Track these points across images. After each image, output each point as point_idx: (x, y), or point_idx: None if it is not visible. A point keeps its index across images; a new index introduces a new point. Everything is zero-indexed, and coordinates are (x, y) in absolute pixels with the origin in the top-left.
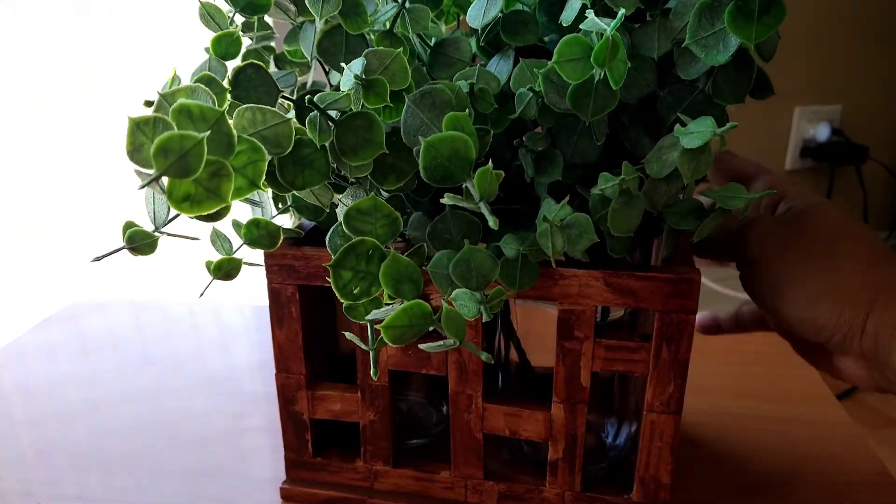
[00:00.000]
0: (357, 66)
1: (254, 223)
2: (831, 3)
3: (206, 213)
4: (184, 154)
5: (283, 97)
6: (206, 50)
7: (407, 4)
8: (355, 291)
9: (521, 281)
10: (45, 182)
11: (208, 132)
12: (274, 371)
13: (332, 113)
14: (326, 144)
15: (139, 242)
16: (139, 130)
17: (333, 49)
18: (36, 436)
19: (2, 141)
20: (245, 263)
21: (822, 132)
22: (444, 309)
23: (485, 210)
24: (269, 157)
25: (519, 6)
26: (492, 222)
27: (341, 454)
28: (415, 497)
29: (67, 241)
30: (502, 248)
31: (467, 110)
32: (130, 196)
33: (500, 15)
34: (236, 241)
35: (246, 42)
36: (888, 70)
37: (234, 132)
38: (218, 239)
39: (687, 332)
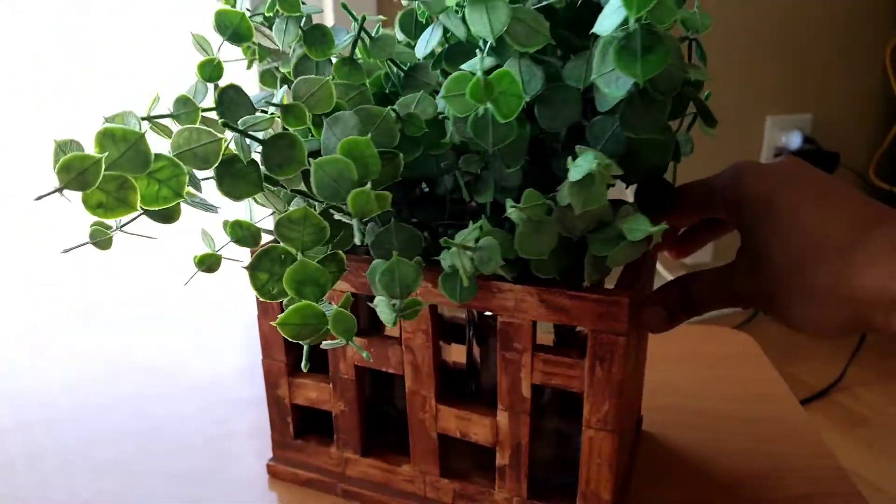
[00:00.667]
0: (279, 94)
1: (237, 224)
2: (801, 14)
3: (159, 214)
4: (83, 171)
5: (263, 111)
6: (195, 74)
7: (370, 33)
8: (273, 291)
9: (461, 294)
10: (45, 182)
11: (106, 153)
12: (258, 377)
13: (260, 134)
14: (257, 160)
15: (98, 238)
16: (61, 151)
17: (307, 73)
18: (25, 441)
19: (2, 141)
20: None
21: (793, 140)
22: (333, 310)
23: (356, 227)
24: (190, 171)
25: (457, 39)
26: (357, 238)
27: (319, 439)
28: (380, 487)
29: (67, 241)
30: (441, 263)
31: (392, 133)
32: None
33: (441, 47)
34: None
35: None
36: (857, 79)
37: (151, 151)
38: (206, 237)
39: (618, 353)
